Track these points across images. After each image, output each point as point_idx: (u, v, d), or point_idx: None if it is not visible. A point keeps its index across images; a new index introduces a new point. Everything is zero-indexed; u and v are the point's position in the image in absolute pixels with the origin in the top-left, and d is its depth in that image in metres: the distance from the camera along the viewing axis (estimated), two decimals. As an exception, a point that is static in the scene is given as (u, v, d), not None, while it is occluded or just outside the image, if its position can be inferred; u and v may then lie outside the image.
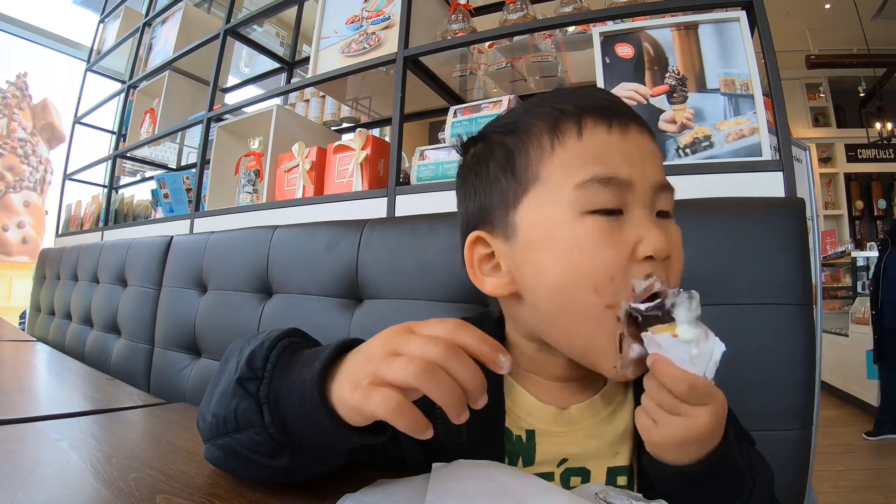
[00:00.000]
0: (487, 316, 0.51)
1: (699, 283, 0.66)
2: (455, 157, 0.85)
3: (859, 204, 5.39)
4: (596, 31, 1.00)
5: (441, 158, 1.13)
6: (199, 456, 0.44)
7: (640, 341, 0.38)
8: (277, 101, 1.62)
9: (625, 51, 0.97)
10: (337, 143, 1.32)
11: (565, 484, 0.43)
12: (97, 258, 1.70)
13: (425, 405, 0.30)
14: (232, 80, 2.37)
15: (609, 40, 0.98)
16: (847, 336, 3.58)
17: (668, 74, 0.92)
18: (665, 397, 0.36)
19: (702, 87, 0.90)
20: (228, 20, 1.80)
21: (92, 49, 2.78)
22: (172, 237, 1.40)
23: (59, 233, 2.61)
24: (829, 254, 4.47)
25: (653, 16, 1.01)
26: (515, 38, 1.29)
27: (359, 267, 0.91)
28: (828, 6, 4.52)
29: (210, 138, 1.71)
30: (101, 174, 2.51)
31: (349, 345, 0.36)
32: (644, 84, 0.94)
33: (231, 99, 2.28)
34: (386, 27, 1.32)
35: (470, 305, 0.78)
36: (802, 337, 0.60)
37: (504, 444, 0.44)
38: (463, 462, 0.39)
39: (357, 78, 1.43)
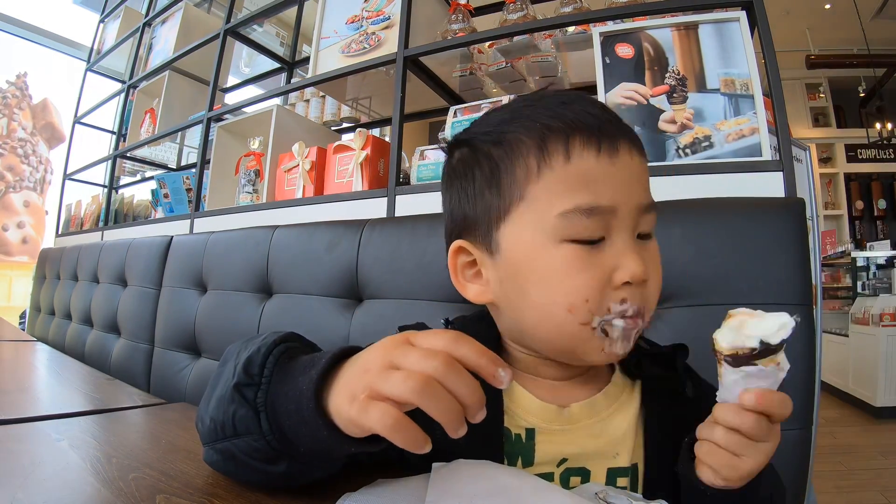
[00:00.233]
0: (484, 315, 0.50)
1: (699, 283, 0.66)
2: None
3: (859, 204, 5.38)
4: (596, 31, 1.00)
5: (441, 158, 1.12)
6: (199, 456, 0.44)
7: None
8: (277, 101, 1.62)
9: (625, 51, 0.97)
10: (337, 143, 1.32)
11: (565, 484, 0.43)
12: (97, 258, 1.70)
13: (424, 413, 0.30)
14: (232, 80, 2.37)
15: (609, 40, 0.98)
16: (847, 336, 3.58)
17: (668, 74, 0.92)
18: (762, 426, 0.36)
19: (702, 87, 0.90)
20: (228, 20, 1.80)
21: (92, 49, 2.78)
22: (172, 237, 1.40)
23: (59, 233, 2.61)
24: (829, 254, 4.47)
25: (653, 16, 1.01)
26: (515, 39, 1.29)
27: (359, 267, 0.91)
28: (828, 6, 4.51)
29: (210, 138, 1.71)
30: (101, 174, 2.51)
31: (346, 353, 0.35)
32: (644, 84, 0.94)
33: (231, 99, 2.28)
34: (386, 27, 1.32)
35: (470, 305, 0.77)
36: (802, 337, 0.60)
37: (503, 445, 0.43)
38: (463, 462, 0.39)
39: (357, 78, 1.43)
